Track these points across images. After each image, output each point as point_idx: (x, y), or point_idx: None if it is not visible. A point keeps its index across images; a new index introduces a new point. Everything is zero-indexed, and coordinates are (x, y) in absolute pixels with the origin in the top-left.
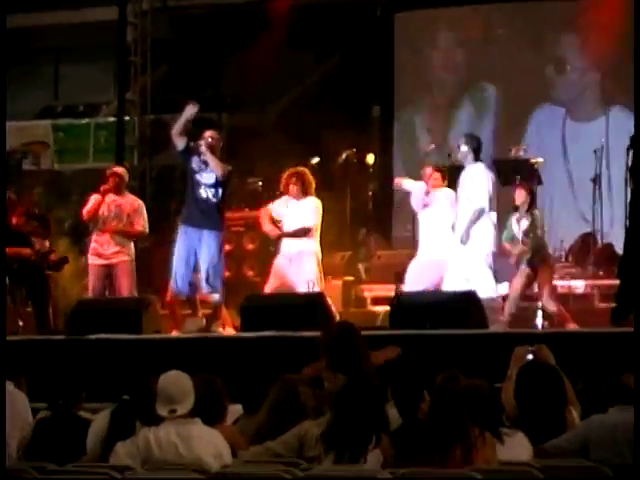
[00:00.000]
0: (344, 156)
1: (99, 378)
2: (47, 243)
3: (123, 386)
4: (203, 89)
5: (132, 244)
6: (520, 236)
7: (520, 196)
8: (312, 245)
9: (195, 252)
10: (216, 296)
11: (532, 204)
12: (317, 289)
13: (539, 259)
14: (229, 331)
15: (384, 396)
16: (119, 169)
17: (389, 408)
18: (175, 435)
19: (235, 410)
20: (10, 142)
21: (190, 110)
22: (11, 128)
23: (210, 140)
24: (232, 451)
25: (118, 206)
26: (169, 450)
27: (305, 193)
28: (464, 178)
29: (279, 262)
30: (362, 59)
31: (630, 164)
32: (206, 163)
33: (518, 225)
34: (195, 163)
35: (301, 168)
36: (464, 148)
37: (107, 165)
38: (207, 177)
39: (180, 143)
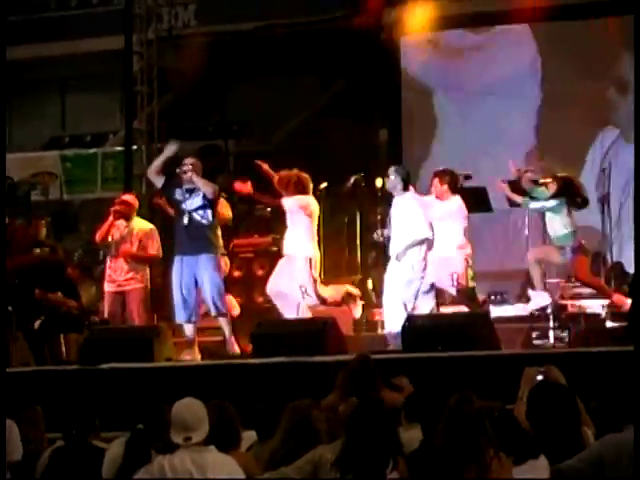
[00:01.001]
0: (352, 180)
1: (112, 407)
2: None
3: (137, 415)
4: (209, 116)
5: (147, 270)
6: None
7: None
8: (303, 248)
9: (195, 279)
10: (223, 319)
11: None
12: (311, 295)
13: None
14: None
15: (396, 419)
16: (128, 197)
17: (403, 431)
18: (190, 462)
19: (249, 436)
20: (18, 173)
21: (171, 148)
22: (19, 160)
23: (191, 166)
24: (247, 478)
25: (129, 230)
26: (184, 477)
27: (292, 193)
28: (395, 209)
29: (280, 261)
30: (367, 83)
31: None
32: (190, 191)
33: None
34: (178, 194)
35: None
36: (393, 177)
37: (115, 194)
38: (192, 203)
39: (158, 180)
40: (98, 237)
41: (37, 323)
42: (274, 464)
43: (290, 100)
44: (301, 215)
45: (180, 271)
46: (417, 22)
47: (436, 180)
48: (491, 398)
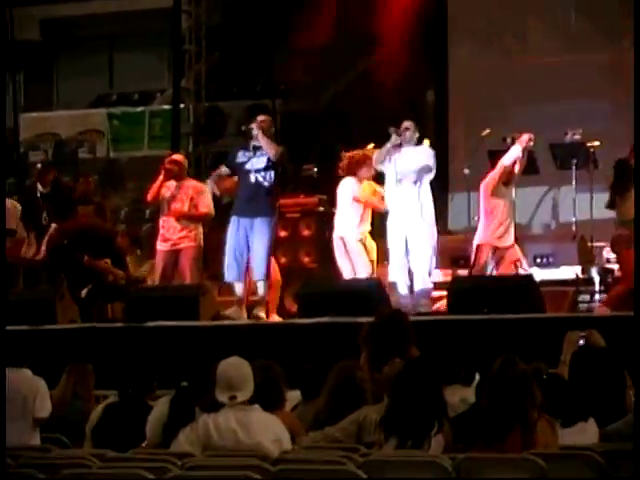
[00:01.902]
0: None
1: (158, 365)
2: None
3: (182, 373)
4: (256, 76)
5: (200, 228)
6: None
7: None
8: (354, 230)
9: (247, 241)
10: (262, 283)
11: None
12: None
13: None
14: (273, 318)
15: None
16: (178, 156)
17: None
18: (234, 421)
19: (293, 396)
20: (66, 131)
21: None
22: (67, 117)
23: (261, 123)
24: (291, 437)
25: (181, 188)
26: (228, 436)
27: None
28: (411, 159)
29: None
30: (415, 44)
31: None
32: (255, 149)
33: None
34: (241, 156)
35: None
36: (412, 130)
37: (162, 153)
38: (257, 162)
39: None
40: (150, 197)
41: (84, 291)
42: (318, 424)
43: (337, 59)
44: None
45: (235, 232)
46: None
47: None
48: (536, 361)
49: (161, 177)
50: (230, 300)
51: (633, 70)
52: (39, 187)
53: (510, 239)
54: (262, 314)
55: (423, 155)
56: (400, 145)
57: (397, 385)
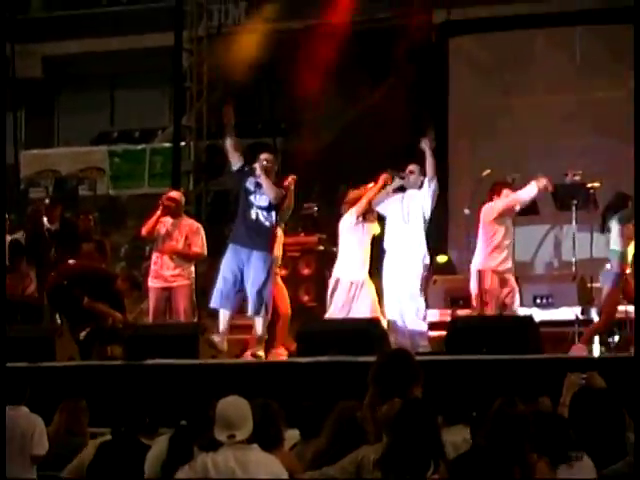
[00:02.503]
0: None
1: (156, 403)
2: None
3: (181, 411)
4: (258, 115)
5: (192, 267)
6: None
7: None
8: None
9: (242, 271)
10: (260, 320)
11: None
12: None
13: None
14: (281, 352)
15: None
16: (175, 193)
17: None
18: (233, 460)
19: (292, 435)
20: (66, 168)
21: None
22: (67, 154)
23: (265, 163)
24: (290, 477)
25: (176, 226)
26: (227, 475)
27: None
28: (412, 203)
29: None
30: (416, 83)
31: None
32: (259, 185)
33: None
34: (250, 183)
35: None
36: (417, 173)
37: (163, 190)
38: (260, 199)
39: (236, 161)
40: (144, 231)
41: (83, 334)
42: (317, 464)
43: (339, 98)
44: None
45: (231, 259)
46: (468, 23)
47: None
48: (535, 402)
49: (158, 212)
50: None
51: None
52: (46, 223)
53: (509, 263)
54: (261, 353)
55: (427, 198)
56: (402, 188)
57: (395, 425)
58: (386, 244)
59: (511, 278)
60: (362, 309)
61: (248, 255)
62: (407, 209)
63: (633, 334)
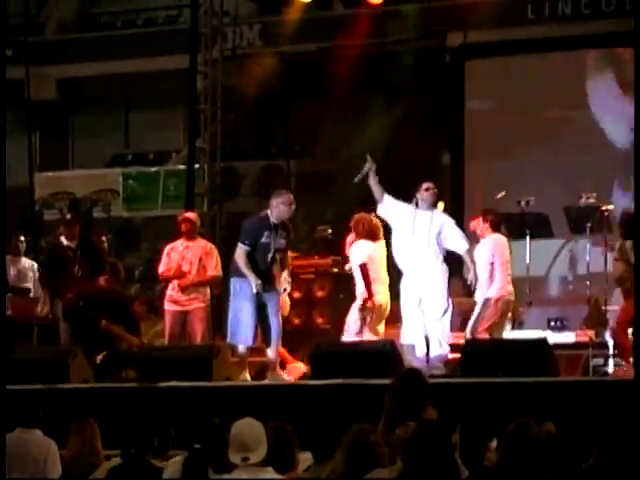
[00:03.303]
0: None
1: (170, 426)
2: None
3: (195, 434)
4: (272, 136)
5: (208, 289)
6: None
7: None
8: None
9: (260, 310)
10: (274, 350)
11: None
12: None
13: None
14: (296, 367)
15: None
16: (191, 214)
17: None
18: None
19: (305, 458)
20: (81, 190)
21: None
22: (81, 176)
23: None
24: None
25: (190, 249)
26: None
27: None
28: (429, 223)
29: None
30: (432, 105)
31: None
32: (276, 227)
33: None
34: (266, 237)
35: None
36: (432, 193)
37: (177, 212)
38: (278, 243)
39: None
40: (161, 277)
41: (99, 357)
42: None
43: (353, 120)
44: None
45: (253, 298)
46: (484, 47)
47: (480, 218)
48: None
49: (166, 257)
50: (236, 360)
51: None
52: (64, 241)
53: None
54: (284, 374)
55: (448, 224)
56: (416, 205)
57: (409, 449)
58: (401, 261)
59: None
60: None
61: (269, 296)
62: (425, 230)
63: None
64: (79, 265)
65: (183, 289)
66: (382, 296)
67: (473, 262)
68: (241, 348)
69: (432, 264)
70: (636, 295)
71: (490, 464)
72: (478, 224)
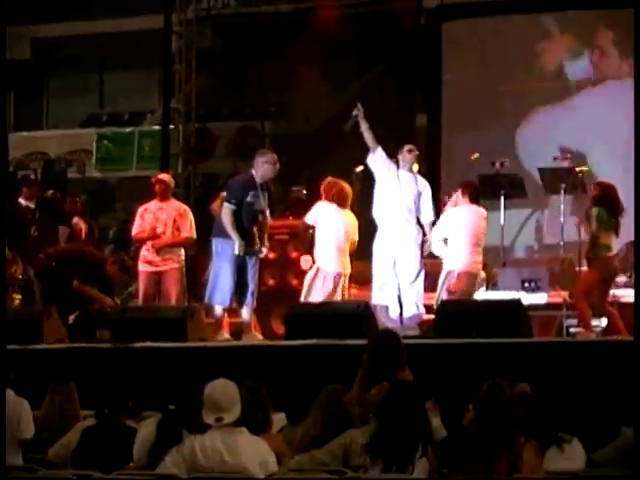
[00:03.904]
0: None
1: (144, 386)
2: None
3: (169, 395)
4: (246, 98)
5: (182, 250)
6: None
7: None
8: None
9: (241, 271)
10: (249, 310)
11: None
12: None
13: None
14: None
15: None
16: (164, 176)
17: (432, 418)
18: (221, 443)
19: (279, 419)
20: (55, 151)
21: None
22: (56, 136)
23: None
24: (277, 460)
25: (164, 210)
26: (215, 458)
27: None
28: (409, 185)
29: None
30: (407, 66)
31: None
32: (261, 187)
33: None
34: (250, 197)
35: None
36: (411, 155)
37: (151, 173)
38: (263, 202)
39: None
40: (135, 238)
41: (72, 317)
42: (305, 447)
43: (328, 83)
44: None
45: (235, 257)
46: (461, 8)
47: (459, 190)
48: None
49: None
50: (211, 321)
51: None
52: (22, 201)
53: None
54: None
55: (425, 192)
56: (397, 164)
57: (382, 409)
58: (380, 218)
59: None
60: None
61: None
62: (406, 196)
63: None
64: (36, 225)
65: (157, 250)
66: (337, 265)
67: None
68: (218, 309)
69: (409, 226)
70: (636, 289)
71: (468, 426)
72: (457, 195)
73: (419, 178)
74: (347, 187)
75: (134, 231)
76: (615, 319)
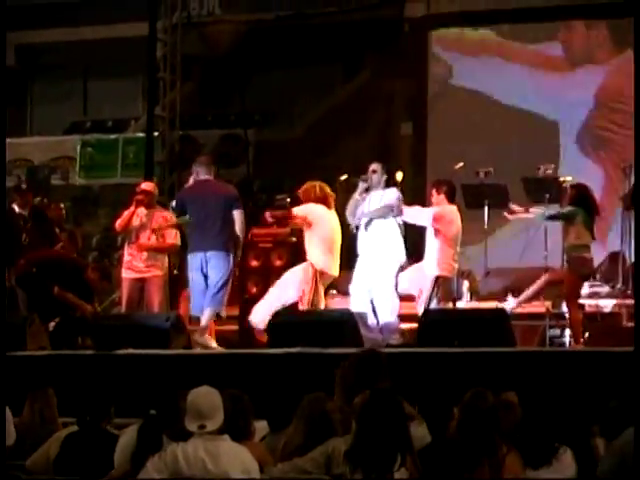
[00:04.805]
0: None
1: (127, 393)
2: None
3: (151, 401)
4: (231, 105)
5: (165, 258)
6: None
7: None
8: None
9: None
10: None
11: None
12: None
13: None
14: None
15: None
16: (148, 185)
17: (416, 426)
18: (203, 451)
19: (261, 427)
20: (39, 157)
21: None
22: (40, 143)
23: None
24: (260, 468)
25: (149, 218)
26: (197, 466)
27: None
28: (378, 203)
29: None
30: (392, 74)
31: None
32: None
33: None
34: None
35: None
36: (380, 173)
37: (135, 180)
38: None
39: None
40: (119, 227)
41: (52, 325)
42: (288, 455)
43: (312, 91)
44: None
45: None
46: (446, 17)
47: (433, 190)
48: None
49: (132, 208)
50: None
51: None
52: (16, 208)
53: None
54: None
55: (387, 197)
56: (367, 190)
57: (362, 416)
58: (358, 248)
59: None
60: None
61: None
62: (365, 211)
63: (604, 328)
64: (27, 234)
65: (142, 250)
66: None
67: None
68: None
69: (380, 244)
70: (636, 293)
71: (451, 434)
72: (432, 196)
73: (387, 192)
74: (327, 188)
75: (118, 222)
76: (575, 322)
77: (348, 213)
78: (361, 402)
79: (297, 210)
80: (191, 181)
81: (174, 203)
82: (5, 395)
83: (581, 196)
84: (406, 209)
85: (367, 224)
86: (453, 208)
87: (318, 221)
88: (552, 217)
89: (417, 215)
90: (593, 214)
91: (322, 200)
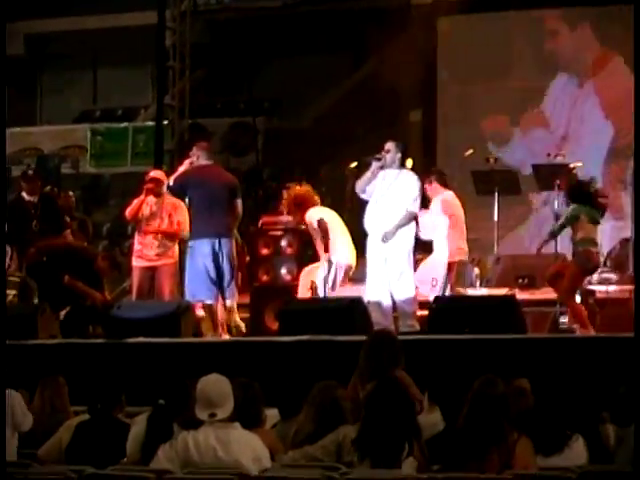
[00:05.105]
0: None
1: (137, 382)
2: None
3: (161, 389)
4: (240, 93)
5: (176, 246)
6: None
7: None
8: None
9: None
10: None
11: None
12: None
13: None
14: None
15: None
16: (157, 173)
17: (429, 413)
18: (214, 439)
19: (271, 415)
20: (49, 146)
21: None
22: (49, 132)
23: None
24: (271, 455)
25: (159, 206)
26: (208, 454)
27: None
28: (394, 182)
29: None
30: (401, 61)
31: None
32: None
33: None
34: None
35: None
36: (393, 152)
37: (145, 169)
38: None
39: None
40: (129, 215)
41: (62, 313)
42: (298, 443)
43: (321, 78)
44: None
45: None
46: (453, 3)
47: (425, 185)
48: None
49: (142, 197)
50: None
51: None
52: (26, 196)
53: None
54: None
55: (407, 185)
56: (382, 168)
57: (369, 405)
58: (367, 224)
59: None
60: None
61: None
62: (379, 192)
63: (614, 314)
64: (37, 221)
65: (153, 233)
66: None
67: None
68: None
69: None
70: (636, 288)
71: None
72: (426, 190)
73: (403, 177)
74: (301, 190)
75: (128, 210)
76: (577, 312)
77: (358, 189)
78: (369, 391)
79: (312, 219)
80: (187, 164)
81: (171, 184)
82: (16, 383)
83: (580, 192)
84: (421, 225)
85: (382, 204)
86: (450, 192)
87: (330, 219)
88: (560, 228)
89: (431, 221)
90: (596, 206)
91: (317, 201)
